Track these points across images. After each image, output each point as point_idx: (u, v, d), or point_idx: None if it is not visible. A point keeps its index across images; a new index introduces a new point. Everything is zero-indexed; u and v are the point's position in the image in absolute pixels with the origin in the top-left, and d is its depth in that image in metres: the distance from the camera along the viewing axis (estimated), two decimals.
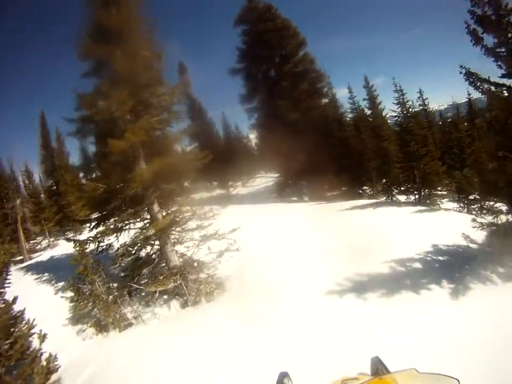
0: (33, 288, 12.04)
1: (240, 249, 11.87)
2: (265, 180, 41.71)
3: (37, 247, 26.61)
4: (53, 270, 13.80)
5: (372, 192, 24.12)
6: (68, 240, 12.77)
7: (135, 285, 10.35)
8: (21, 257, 23.48)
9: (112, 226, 10.46)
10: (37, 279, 13.30)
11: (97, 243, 10.62)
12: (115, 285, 11.04)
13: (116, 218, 10.56)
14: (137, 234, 10.71)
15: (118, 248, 10.54)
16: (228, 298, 10.52)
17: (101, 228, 10.66)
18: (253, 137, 46.40)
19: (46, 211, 27.01)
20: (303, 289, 10.11)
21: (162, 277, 10.42)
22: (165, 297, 10.93)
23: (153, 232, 10.37)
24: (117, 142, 9.40)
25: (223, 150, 38.78)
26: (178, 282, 10.17)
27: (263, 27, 24.85)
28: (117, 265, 10.35)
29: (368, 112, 24.01)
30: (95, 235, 10.26)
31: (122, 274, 11.38)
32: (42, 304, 10.11)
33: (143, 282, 10.85)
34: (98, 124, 10.27)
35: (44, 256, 19.84)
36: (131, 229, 11.05)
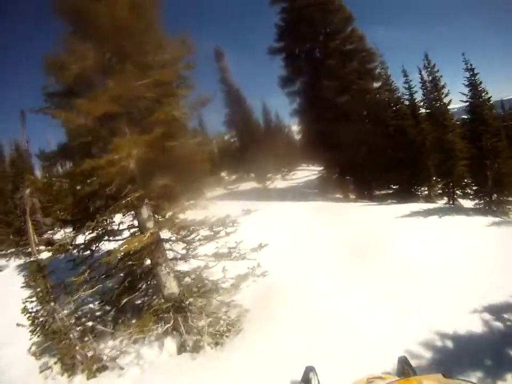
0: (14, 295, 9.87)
1: (267, 273, 8.47)
2: (307, 173, 38.66)
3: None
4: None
5: (429, 194, 20.52)
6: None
7: (101, 327, 7.50)
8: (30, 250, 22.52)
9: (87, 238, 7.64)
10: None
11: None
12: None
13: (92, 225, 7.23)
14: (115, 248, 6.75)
15: (85, 271, 7.23)
16: (244, 344, 7.20)
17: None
18: (294, 127, 43.65)
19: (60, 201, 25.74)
20: None
21: (151, 310, 7.18)
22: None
23: (136, 247, 6.69)
24: (86, 102, 6.26)
25: (262, 139, 36.48)
26: (172, 322, 7.18)
27: (303, 1, 21.70)
28: (84, 293, 7.24)
29: (429, 97, 20.14)
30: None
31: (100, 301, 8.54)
32: (14, 319, 7.60)
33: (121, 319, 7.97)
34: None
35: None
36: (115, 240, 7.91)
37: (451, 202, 19.11)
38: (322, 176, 25.12)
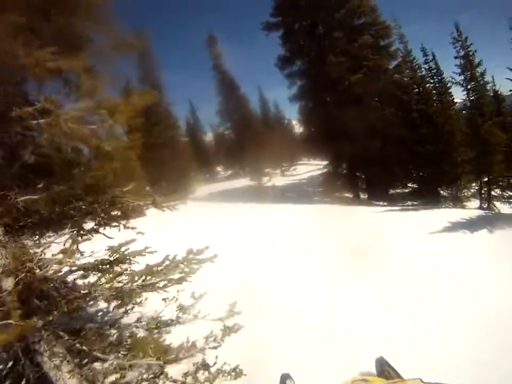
0: None
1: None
2: (309, 168, 35.27)
3: None
4: None
5: (458, 195, 16.93)
6: None
7: None
8: None
9: None
10: None
11: None
12: None
13: None
14: None
15: None
16: None
17: None
18: (294, 121, 40.28)
19: None
20: None
21: None
22: None
23: None
24: None
25: (259, 130, 33.06)
26: None
27: None
28: None
29: (461, 77, 16.35)
30: None
31: None
32: None
33: None
34: None
35: None
36: None
37: (486, 205, 15.63)
38: (327, 172, 21.31)
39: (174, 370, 4.38)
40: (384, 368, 3.44)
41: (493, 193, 15.86)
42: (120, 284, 4.22)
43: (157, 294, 4.55)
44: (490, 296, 6.47)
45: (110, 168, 3.99)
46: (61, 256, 3.74)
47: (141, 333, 4.56)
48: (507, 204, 15.35)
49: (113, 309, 4.56)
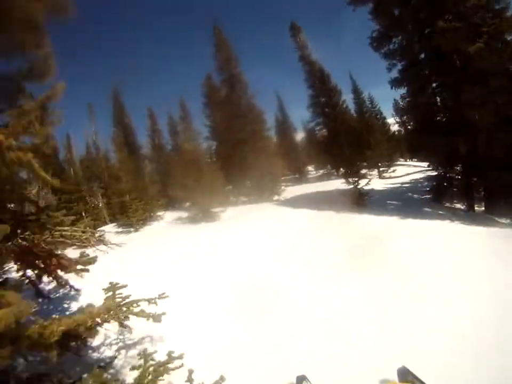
0: None
1: None
2: (407, 169, 31.13)
3: None
4: None
5: None
6: None
7: None
8: None
9: None
10: None
11: None
12: None
13: None
14: None
15: None
16: None
17: None
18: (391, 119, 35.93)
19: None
20: None
21: None
22: None
23: None
24: None
25: (354, 127, 29.81)
26: None
27: None
28: None
29: None
30: None
31: None
32: None
33: None
34: None
35: None
36: None
37: None
38: (437, 176, 17.12)
39: None
40: (408, 379, 3.53)
41: None
42: None
43: None
44: None
45: None
46: None
47: None
48: None
49: None
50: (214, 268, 11.25)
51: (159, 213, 25.10)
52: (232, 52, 27.35)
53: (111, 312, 4.77)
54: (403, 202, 17.19)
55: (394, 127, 40.96)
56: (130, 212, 23.28)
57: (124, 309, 5.16)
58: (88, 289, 9.16)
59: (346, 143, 25.62)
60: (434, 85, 15.56)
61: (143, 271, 11.89)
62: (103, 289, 5.97)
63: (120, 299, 5.51)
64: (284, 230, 14.59)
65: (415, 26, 15.30)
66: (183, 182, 20.16)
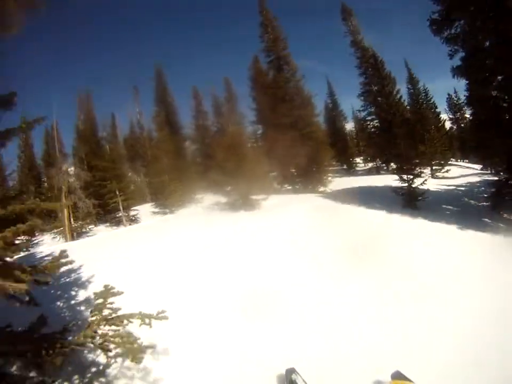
0: None
1: None
2: (461, 171, 28.55)
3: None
4: None
5: None
6: None
7: None
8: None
9: None
10: None
11: None
12: None
13: None
14: None
15: None
16: None
17: None
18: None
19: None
20: None
21: None
22: None
23: None
24: None
25: (407, 119, 27.34)
26: None
27: None
28: None
29: None
30: None
31: None
32: None
33: None
34: None
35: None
36: None
37: None
38: (499, 183, 14.41)
39: None
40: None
41: None
42: None
43: None
44: None
45: None
46: None
47: None
48: None
49: None
50: (243, 262, 10.21)
51: (198, 196, 23.84)
52: (280, 32, 25.52)
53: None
54: (460, 209, 15.12)
55: (447, 124, 37.82)
56: (167, 193, 22.09)
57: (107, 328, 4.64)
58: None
59: (400, 135, 23.59)
60: (500, 77, 13.18)
61: (166, 258, 11.01)
62: (94, 293, 5.34)
63: (110, 311, 4.95)
64: (324, 225, 13.02)
65: (478, 7, 12.82)
66: (225, 165, 18.65)
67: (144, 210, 24.11)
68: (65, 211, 19.87)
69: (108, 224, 22.68)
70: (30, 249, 20.42)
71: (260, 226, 13.86)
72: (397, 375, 3.72)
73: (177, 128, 30.68)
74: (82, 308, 7.80)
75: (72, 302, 8.20)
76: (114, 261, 10.92)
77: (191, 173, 24.74)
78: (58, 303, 8.10)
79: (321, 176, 22.98)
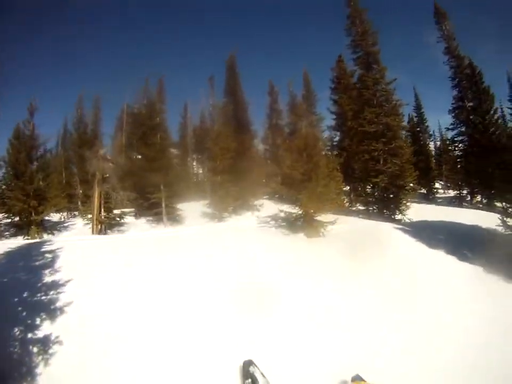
0: None
1: None
2: None
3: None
4: None
5: None
6: None
7: None
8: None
9: None
10: None
11: None
12: None
13: None
14: None
15: None
16: None
17: None
18: None
19: None
20: None
21: None
22: None
23: None
24: None
25: (504, 144, 22.42)
26: None
27: None
28: None
29: None
30: None
31: None
32: None
33: None
34: None
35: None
36: None
37: None
38: None
39: None
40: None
41: None
42: None
43: None
44: None
45: None
46: None
47: None
48: None
49: None
50: None
51: (257, 202, 20.86)
52: (369, 25, 21.68)
53: None
54: None
55: None
56: (218, 197, 18.97)
57: None
58: None
59: (496, 161, 19.15)
60: None
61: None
62: None
63: None
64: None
65: None
66: (293, 173, 15.15)
67: (194, 209, 21.22)
68: (96, 200, 17.21)
69: (150, 218, 19.94)
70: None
71: (321, 268, 10.36)
72: (357, 378, 3.80)
73: (245, 124, 27.53)
74: None
75: None
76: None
77: (254, 176, 21.51)
78: None
79: (401, 202, 18.84)
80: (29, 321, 6.59)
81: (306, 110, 20.56)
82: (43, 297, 7.52)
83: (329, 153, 22.01)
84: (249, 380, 4.75)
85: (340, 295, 8.67)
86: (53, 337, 6.20)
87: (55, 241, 12.72)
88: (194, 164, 34.05)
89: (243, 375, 4.96)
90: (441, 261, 11.26)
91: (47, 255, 10.32)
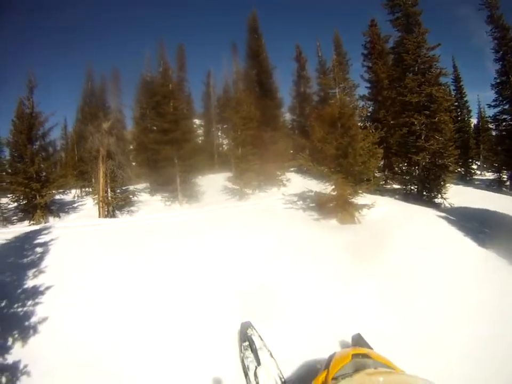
0: None
1: None
2: None
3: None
4: None
5: None
6: None
7: None
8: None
9: None
10: None
11: None
12: None
13: None
14: None
15: None
16: None
17: None
18: None
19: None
20: None
21: None
22: None
23: None
24: None
25: None
26: None
27: None
28: None
29: None
30: None
31: None
32: None
33: None
34: None
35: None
36: None
37: None
38: None
39: None
40: (359, 344, 3.89)
41: None
42: None
43: None
44: None
45: None
46: None
47: None
48: None
49: None
50: None
51: (282, 176, 18.94)
52: None
53: None
54: None
55: None
56: (239, 171, 16.88)
57: None
58: None
59: None
60: None
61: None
62: None
63: None
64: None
65: None
66: (324, 146, 12.82)
67: (216, 183, 19.44)
68: (101, 180, 15.27)
69: (166, 194, 18.13)
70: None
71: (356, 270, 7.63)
72: (357, 338, 3.74)
73: (270, 91, 24.88)
74: None
75: None
76: None
77: (281, 148, 19.34)
78: None
79: (442, 184, 16.45)
80: (1, 341, 5.02)
81: (339, 74, 17.95)
82: (19, 309, 5.77)
83: (367, 124, 19.48)
84: (247, 343, 4.68)
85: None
86: (21, 366, 4.44)
87: (54, 229, 10.97)
88: (219, 134, 31.87)
89: (240, 338, 4.88)
90: (492, 262, 8.47)
91: (37, 249, 8.55)
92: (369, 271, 7.46)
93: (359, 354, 2.48)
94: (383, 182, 18.36)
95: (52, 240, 9.27)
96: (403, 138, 17.24)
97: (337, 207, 12.68)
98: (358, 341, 3.87)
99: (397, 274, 7.45)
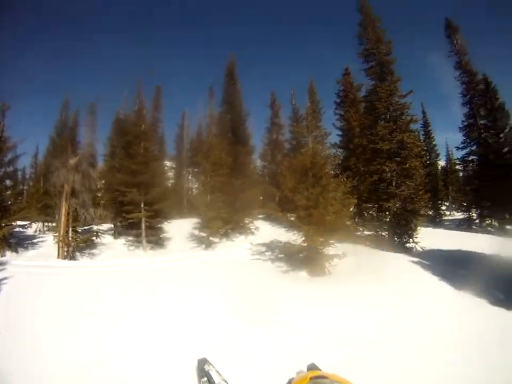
0: None
1: None
2: None
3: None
4: None
5: None
6: None
7: None
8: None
9: None
10: None
11: None
12: None
13: None
14: None
15: None
16: None
17: None
18: None
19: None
20: None
21: None
22: None
23: None
24: None
25: None
26: None
27: None
28: None
29: None
30: None
31: None
32: None
33: None
34: None
35: None
36: None
37: None
38: None
39: None
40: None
41: None
42: None
43: None
44: None
45: None
46: None
47: None
48: None
49: None
50: None
51: (251, 226, 18.39)
52: (382, 34, 19.44)
53: None
54: None
55: None
56: (207, 219, 16.23)
57: None
58: None
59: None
60: None
61: None
62: None
63: None
64: None
65: None
66: (294, 196, 12.50)
67: (183, 229, 18.68)
68: (62, 218, 14.45)
69: (131, 238, 17.21)
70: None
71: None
72: (312, 367, 3.60)
73: (243, 137, 24.72)
74: None
75: None
76: None
77: (250, 196, 18.95)
78: None
79: (412, 228, 16.37)
80: None
81: (312, 123, 17.98)
82: None
83: (338, 173, 19.51)
84: (205, 378, 4.51)
85: None
86: None
87: (9, 266, 10.64)
88: (190, 177, 31.13)
89: (198, 374, 4.75)
90: (472, 306, 8.34)
91: None
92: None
93: (317, 376, 2.37)
94: (354, 229, 18.24)
95: (5, 278, 8.91)
96: (374, 185, 17.22)
97: (307, 258, 12.30)
98: (313, 369, 3.64)
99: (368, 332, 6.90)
